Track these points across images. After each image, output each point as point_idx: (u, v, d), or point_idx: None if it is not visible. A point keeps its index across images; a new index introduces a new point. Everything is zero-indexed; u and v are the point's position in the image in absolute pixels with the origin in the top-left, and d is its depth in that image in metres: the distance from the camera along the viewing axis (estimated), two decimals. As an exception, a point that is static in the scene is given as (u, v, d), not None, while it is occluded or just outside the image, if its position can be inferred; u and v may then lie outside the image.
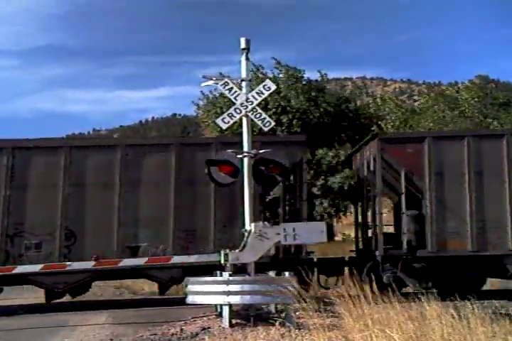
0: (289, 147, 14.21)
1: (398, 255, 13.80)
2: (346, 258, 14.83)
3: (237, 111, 10.88)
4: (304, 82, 27.16)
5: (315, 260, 14.34)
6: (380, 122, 30.28)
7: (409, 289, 13.82)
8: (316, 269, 14.18)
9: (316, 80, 28.28)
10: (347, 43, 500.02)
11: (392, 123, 31.30)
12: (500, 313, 8.53)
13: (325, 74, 28.70)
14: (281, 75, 27.28)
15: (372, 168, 14.90)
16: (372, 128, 28.75)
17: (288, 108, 25.64)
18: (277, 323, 8.62)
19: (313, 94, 26.48)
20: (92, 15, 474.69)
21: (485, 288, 16.14)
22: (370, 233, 15.43)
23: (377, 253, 13.81)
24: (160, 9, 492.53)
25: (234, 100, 11.02)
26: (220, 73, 25.56)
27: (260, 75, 26.73)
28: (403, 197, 14.18)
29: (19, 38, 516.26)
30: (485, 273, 14.29)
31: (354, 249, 16.15)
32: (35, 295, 14.85)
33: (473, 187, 14.00)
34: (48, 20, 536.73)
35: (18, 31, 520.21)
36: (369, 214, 15.98)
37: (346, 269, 14.41)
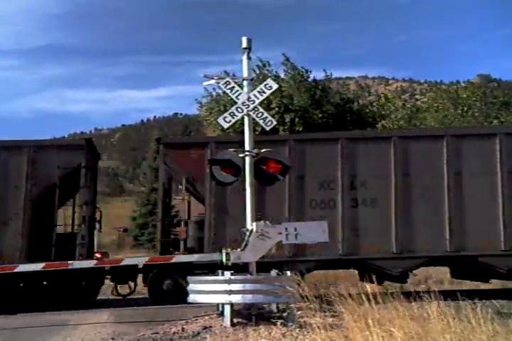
0: (67, 151, 14.07)
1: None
2: (140, 266, 14.01)
3: (239, 110, 10.88)
4: (308, 82, 27.14)
5: (106, 268, 13.81)
6: (383, 121, 30.28)
7: (410, 288, 13.79)
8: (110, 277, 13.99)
9: (321, 80, 28.30)
10: (347, 43, 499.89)
11: (396, 122, 31.30)
12: (502, 313, 8.53)
13: (330, 73, 28.78)
14: (283, 75, 27.27)
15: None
16: (377, 126, 28.78)
17: (290, 106, 25.62)
18: (279, 322, 8.63)
19: (317, 93, 26.45)
20: (92, 15, 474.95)
21: (486, 287, 16.13)
22: None
23: None
24: (160, 9, 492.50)
25: (235, 99, 11.02)
26: (225, 71, 25.83)
27: (266, 72, 26.76)
28: (186, 202, 14.26)
29: (19, 38, 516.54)
30: None
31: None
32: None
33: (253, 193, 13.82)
34: (48, 20, 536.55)
35: (18, 31, 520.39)
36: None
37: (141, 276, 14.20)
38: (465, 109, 30.91)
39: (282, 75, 27.34)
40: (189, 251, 13.91)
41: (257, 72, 26.19)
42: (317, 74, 28.77)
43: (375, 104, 33.19)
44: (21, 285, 13.59)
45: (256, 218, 10.64)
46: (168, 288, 13.50)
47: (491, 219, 13.78)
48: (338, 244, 13.57)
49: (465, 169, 14.02)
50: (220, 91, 26.98)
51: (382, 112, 31.92)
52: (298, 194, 13.95)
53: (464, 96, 31.68)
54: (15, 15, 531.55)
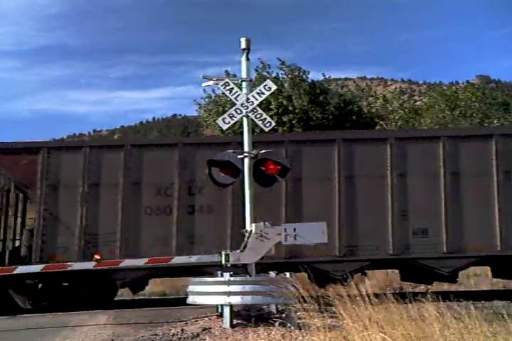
0: None
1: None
2: None
3: (238, 111, 10.88)
4: (307, 83, 27.15)
5: None
6: (382, 122, 30.29)
7: (408, 289, 13.81)
8: None
9: (319, 81, 28.32)
10: (347, 43, 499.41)
11: (394, 123, 31.32)
12: (501, 314, 8.52)
13: (329, 76, 28.82)
14: (284, 76, 27.28)
15: None
16: (377, 128, 28.80)
17: (290, 107, 25.64)
18: (278, 324, 8.63)
19: (320, 97, 26.46)
20: (93, 14, 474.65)
21: (486, 287, 16.14)
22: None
23: None
24: (160, 9, 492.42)
25: (234, 100, 11.01)
26: (226, 71, 25.86)
27: (265, 74, 26.77)
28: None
29: (20, 38, 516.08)
30: (113, 286, 13.72)
31: None
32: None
33: (84, 200, 13.54)
34: (47, 19, 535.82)
35: (19, 31, 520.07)
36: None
37: None
38: (463, 110, 30.92)
39: (281, 77, 27.35)
40: (22, 260, 13.47)
41: (257, 73, 26.21)
42: (316, 76, 28.83)
43: (373, 105, 33.18)
44: None
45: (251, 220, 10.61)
46: None
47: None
48: (172, 252, 13.15)
49: (304, 174, 13.89)
50: (218, 93, 27.01)
51: (382, 113, 31.94)
52: (133, 200, 13.70)
53: (463, 97, 31.68)
54: (15, 15, 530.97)
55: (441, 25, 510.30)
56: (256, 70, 25.96)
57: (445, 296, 8.82)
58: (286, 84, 25.96)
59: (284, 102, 25.60)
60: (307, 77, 27.40)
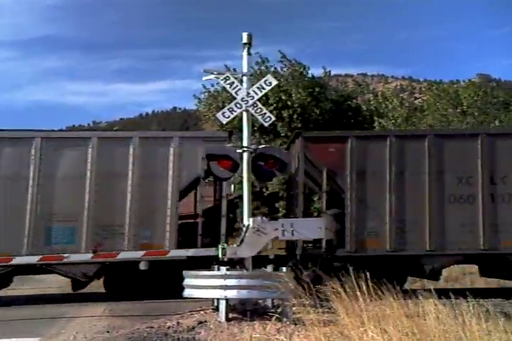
0: None
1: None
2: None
3: (238, 105, 10.87)
4: (307, 78, 27.10)
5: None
6: (381, 120, 30.22)
7: (406, 286, 13.82)
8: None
9: (319, 77, 28.28)
10: (345, 42, 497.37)
11: (393, 121, 31.24)
12: (497, 311, 8.55)
13: (329, 71, 28.75)
14: (285, 69, 27.23)
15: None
16: (374, 125, 28.77)
17: (289, 102, 25.59)
18: (273, 318, 8.66)
19: (316, 89, 26.40)
20: (91, 8, 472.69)
21: (482, 286, 16.17)
22: None
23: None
24: (159, 3, 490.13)
25: (235, 95, 11.01)
26: (226, 65, 25.77)
27: (264, 68, 26.68)
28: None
29: (17, 29, 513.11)
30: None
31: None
32: (34, 286, 14.89)
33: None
34: (46, 11, 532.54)
35: (15, 22, 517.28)
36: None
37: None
38: (464, 108, 30.86)
39: (281, 71, 27.29)
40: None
41: (256, 68, 26.13)
42: (316, 71, 28.79)
43: (372, 102, 33.11)
44: None
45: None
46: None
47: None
48: None
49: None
50: (218, 87, 26.95)
51: (381, 111, 31.86)
52: None
53: (465, 96, 31.59)
54: (13, 6, 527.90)
55: (439, 24, 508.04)
56: (256, 64, 25.86)
57: (442, 293, 8.84)
58: (283, 80, 25.86)
59: (283, 97, 25.56)
60: (307, 73, 27.35)
